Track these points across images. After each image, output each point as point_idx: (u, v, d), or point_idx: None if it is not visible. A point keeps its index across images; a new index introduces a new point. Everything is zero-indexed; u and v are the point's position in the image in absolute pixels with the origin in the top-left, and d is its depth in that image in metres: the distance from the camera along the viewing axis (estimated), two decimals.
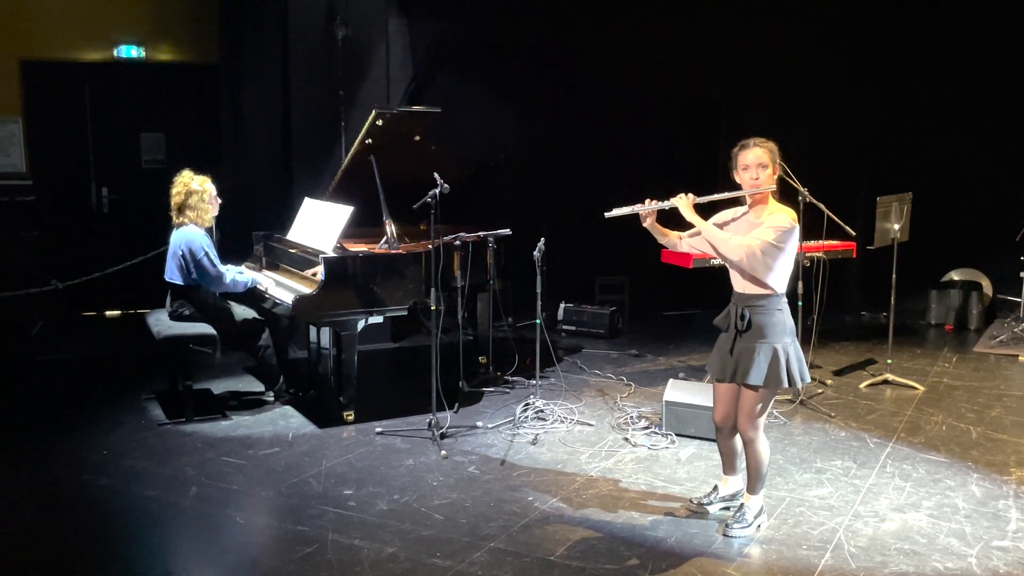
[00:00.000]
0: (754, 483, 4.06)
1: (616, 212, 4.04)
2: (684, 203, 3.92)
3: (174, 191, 5.63)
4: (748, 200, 3.94)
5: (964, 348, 7.62)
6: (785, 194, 5.64)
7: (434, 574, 3.71)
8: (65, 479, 4.73)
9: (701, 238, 4.00)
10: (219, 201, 5.75)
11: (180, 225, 5.62)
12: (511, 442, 5.28)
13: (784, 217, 3.82)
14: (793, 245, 3.83)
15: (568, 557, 3.85)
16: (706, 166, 7.80)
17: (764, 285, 3.82)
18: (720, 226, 3.98)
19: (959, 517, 4.25)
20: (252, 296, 5.93)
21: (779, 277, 3.83)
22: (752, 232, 3.84)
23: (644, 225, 4.06)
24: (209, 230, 5.70)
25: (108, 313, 8.77)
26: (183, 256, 5.54)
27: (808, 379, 3.95)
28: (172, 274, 5.64)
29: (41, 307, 8.16)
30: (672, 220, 4.08)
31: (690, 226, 3.99)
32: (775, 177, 3.88)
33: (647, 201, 3.98)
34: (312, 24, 7.45)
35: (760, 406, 3.91)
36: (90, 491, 4.58)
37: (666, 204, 3.96)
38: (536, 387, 5.93)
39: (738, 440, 4.11)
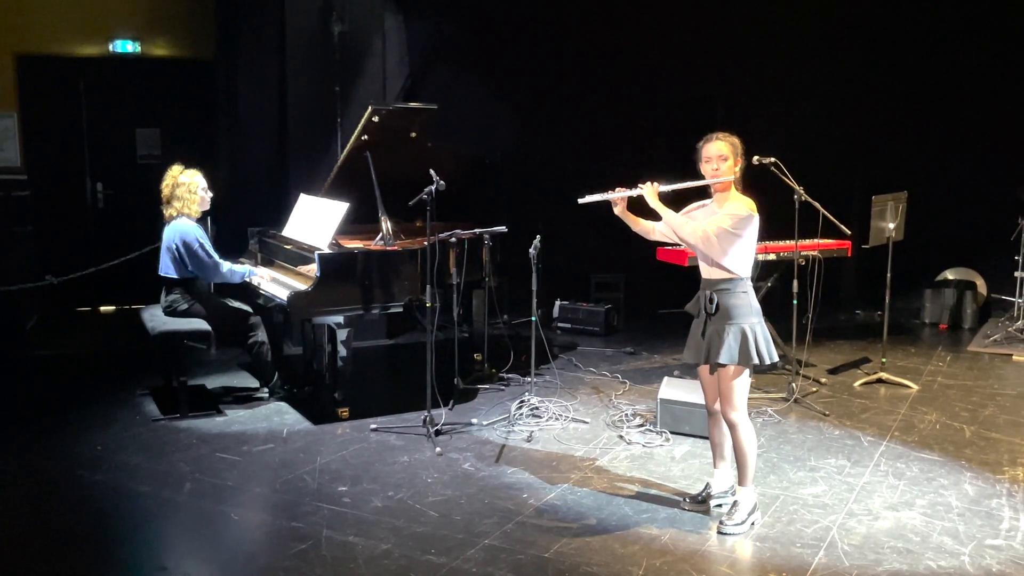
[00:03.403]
0: (743, 472, 4.10)
1: (588, 198, 4.24)
2: (649, 191, 4.10)
3: (163, 184, 5.73)
4: (712, 192, 4.11)
5: (958, 347, 7.63)
6: (778, 191, 5.71)
7: (428, 571, 3.71)
8: (59, 475, 4.72)
9: (665, 224, 4.17)
10: (210, 194, 5.81)
11: (171, 218, 5.68)
12: (506, 439, 5.28)
13: (742, 206, 3.98)
14: (751, 233, 3.99)
15: (562, 554, 3.86)
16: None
17: (727, 269, 3.99)
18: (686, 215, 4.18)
19: (952, 516, 4.26)
20: (247, 292, 5.93)
21: (739, 261, 3.99)
22: (710, 219, 4.02)
23: (616, 212, 4.22)
24: (202, 222, 5.74)
25: (103, 308, 8.76)
26: (177, 248, 5.58)
27: (776, 357, 4.08)
28: (167, 268, 5.66)
29: (35, 302, 8.14)
30: (649, 212, 4.17)
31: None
32: (736, 169, 4.04)
33: (616, 189, 4.16)
34: (308, 20, 7.44)
35: (736, 387, 4.02)
36: (84, 487, 4.57)
37: (633, 192, 4.15)
38: (531, 384, 5.94)
39: (726, 427, 4.18)
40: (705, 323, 4.09)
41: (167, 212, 5.70)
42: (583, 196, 4.24)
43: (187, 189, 5.65)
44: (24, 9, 8.15)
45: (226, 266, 5.69)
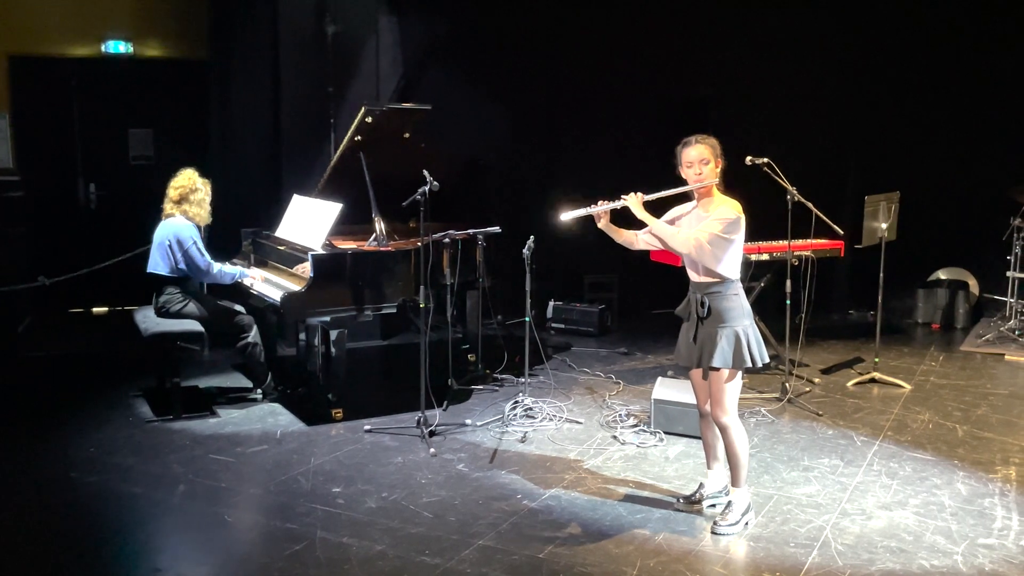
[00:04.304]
0: (736, 473, 4.10)
1: (571, 214, 4.16)
2: (634, 201, 4.05)
3: (176, 183, 5.72)
4: (695, 195, 4.08)
5: (951, 347, 7.65)
6: (771, 192, 5.72)
7: (423, 572, 3.71)
8: (52, 476, 4.71)
9: (653, 234, 4.13)
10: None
11: (169, 216, 5.67)
12: (500, 440, 5.28)
13: (730, 209, 3.97)
14: (741, 235, 3.97)
15: (557, 555, 3.86)
16: None
17: (717, 273, 3.97)
18: (671, 222, 4.15)
19: (945, 515, 4.28)
20: (240, 293, 5.92)
21: (730, 265, 3.98)
22: (700, 225, 3.99)
23: (599, 226, 4.15)
24: (199, 227, 5.74)
25: (95, 310, 8.73)
26: (170, 246, 5.58)
27: (767, 358, 4.06)
28: (156, 265, 5.66)
29: (28, 303, 8.11)
30: (631, 221, 4.14)
31: (644, 224, 4.10)
32: (718, 171, 4.02)
33: (599, 202, 4.09)
34: (302, 20, 7.43)
35: (728, 389, 4.01)
36: (78, 488, 4.56)
37: (617, 204, 4.09)
38: (525, 385, 5.94)
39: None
40: (696, 327, 4.06)
41: (172, 210, 5.69)
42: (566, 212, 4.15)
43: (204, 195, 5.72)
44: (16, 10, 8.12)
45: (216, 267, 5.69)
